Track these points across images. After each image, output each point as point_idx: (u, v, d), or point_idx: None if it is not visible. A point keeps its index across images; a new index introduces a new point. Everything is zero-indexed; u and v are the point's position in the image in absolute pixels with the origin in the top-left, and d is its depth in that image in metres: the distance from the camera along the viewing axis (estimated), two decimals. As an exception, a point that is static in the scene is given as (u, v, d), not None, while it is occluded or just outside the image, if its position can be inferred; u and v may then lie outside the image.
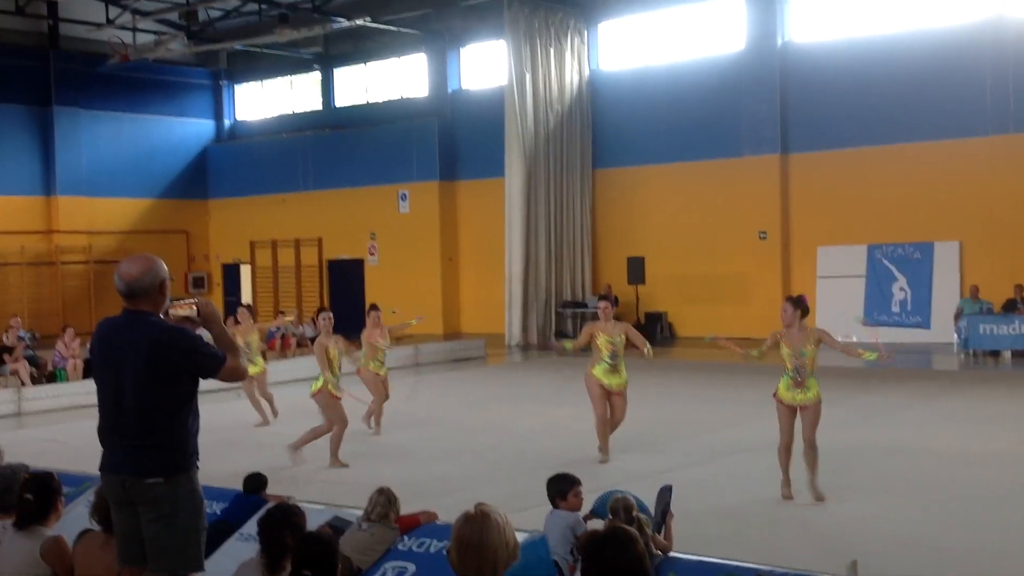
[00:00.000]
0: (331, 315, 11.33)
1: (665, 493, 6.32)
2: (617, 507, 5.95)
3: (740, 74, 24.05)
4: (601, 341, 10.66)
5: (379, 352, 12.58)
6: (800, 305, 8.84)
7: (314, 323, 24.40)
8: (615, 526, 3.86)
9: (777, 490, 8.86)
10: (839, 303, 23.08)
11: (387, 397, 12.85)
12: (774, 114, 23.69)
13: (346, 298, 30.35)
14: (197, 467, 4.97)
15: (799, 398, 8.66)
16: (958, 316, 20.13)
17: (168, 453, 4.83)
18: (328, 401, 10.90)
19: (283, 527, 5.20)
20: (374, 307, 12.97)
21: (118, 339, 4.89)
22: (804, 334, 8.71)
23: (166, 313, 4.95)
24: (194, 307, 4.94)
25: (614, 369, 10.64)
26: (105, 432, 4.96)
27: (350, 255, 30.34)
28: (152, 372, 4.77)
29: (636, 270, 24.51)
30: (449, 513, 6.41)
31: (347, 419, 11.03)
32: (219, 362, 4.87)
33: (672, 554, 5.89)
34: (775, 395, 8.84)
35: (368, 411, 12.71)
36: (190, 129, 32.97)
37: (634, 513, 5.89)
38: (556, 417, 13.66)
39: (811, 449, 8.68)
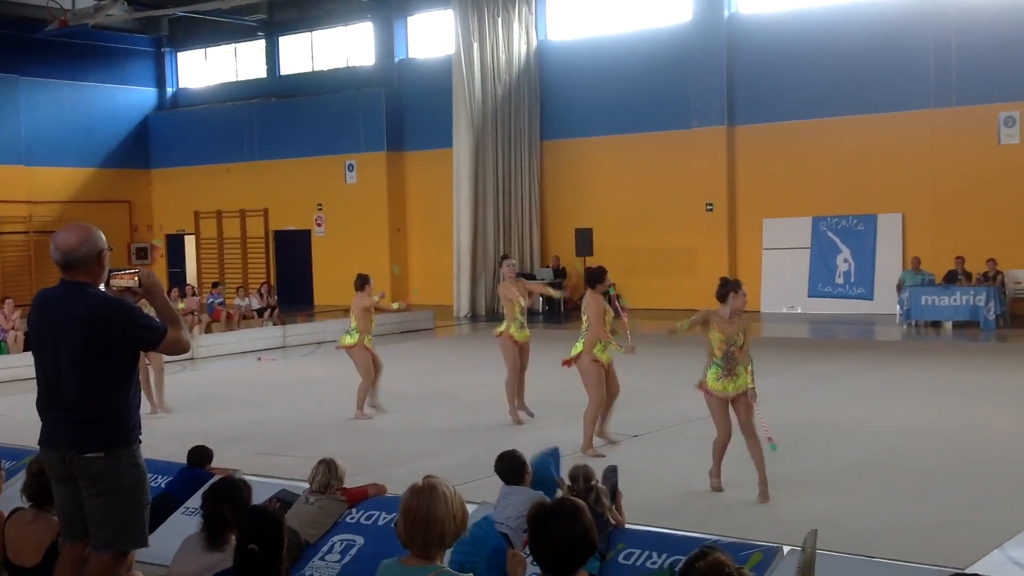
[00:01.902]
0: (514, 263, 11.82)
1: (611, 474, 6.34)
2: (577, 474, 5.96)
3: (687, 46, 24.08)
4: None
5: (371, 324, 12.09)
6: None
7: (260, 295, 24.37)
8: (562, 498, 3.86)
9: (727, 462, 8.88)
10: (784, 275, 23.35)
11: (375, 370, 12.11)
12: (721, 86, 23.77)
13: (293, 270, 30.14)
14: (139, 440, 4.90)
15: (730, 388, 8.09)
16: (900, 287, 20.43)
17: (108, 427, 4.74)
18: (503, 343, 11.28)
19: (223, 502, 5.14)
20: (363, 278, 12.27)
21: (55, 311, 4.80)
22: (739, 321, 8.10)
23: (107, 284, 4.85)
24: (135, 278, 4.85)
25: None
26: (44, 406, 4.86)
27: (297, 226, 30.06)
28: (90, 344, 4.68)
29: (584, 242, 24.54)
30: (398, 485, 6.39)
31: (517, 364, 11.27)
32: (159, 334, 4.78)
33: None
34: (701, 386, 8.22)
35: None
36: (132, 97, 32.36)
37: (593, 482, 5.90)
38: (504, 388, 13.64)
39: (752, 439, 8.05)
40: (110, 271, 4.90)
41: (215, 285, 24.93)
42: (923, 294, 19.90)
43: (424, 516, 3.74)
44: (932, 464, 9.09)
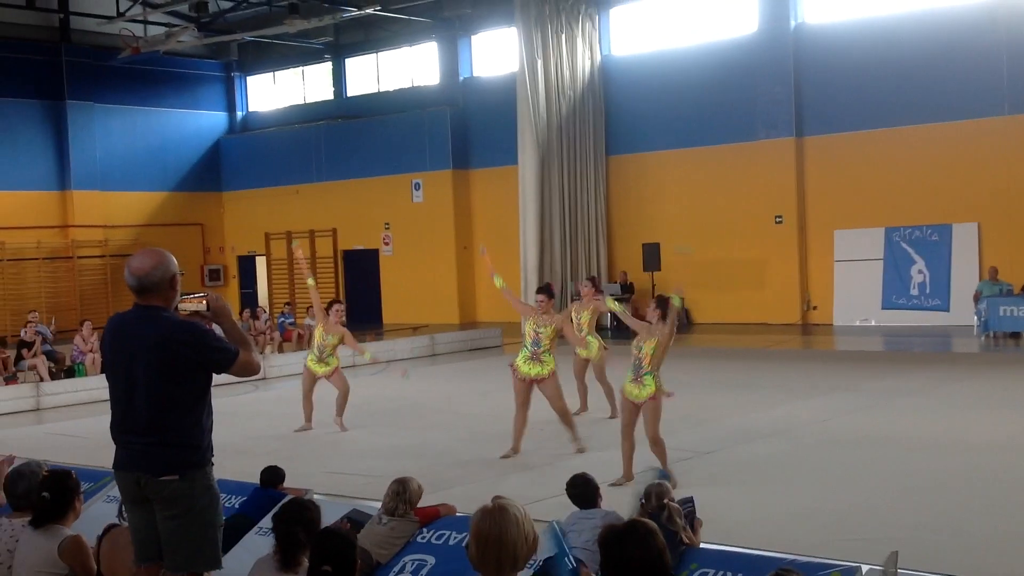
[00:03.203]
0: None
1: (687, 503, 6.23)
2: (650, 492, 5.88)
3: (753, 57, 23.88)
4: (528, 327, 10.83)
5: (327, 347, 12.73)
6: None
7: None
8: (634, 520, 3.80)
9: (800, 478, 8.77)
10: (857, 287, 22.97)
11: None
12: (788, 97, 23.52)
13: (362, 289, 30.40)
14: (212, 463, 4.94)
15: (638, 394, 8.75)
16: (977, 298, 19.98)
17: (182, 450, 4.79)
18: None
19: (296, 523, 5.15)
20: (337, 300, 13.44)
21: (129, 335, 4.86)
22: (651, 330, 8.81)
23: (176, 308, 4.91)
24: (204, 301, 4.91)
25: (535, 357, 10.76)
26: (118, 429, 4.92)
27: (365, 245, 30.33)
28: (163, 368, 4.73)
29: (651, 257, 24.42)
30: (466, 503, 6.37)
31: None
32: (232, 356, 4.83)
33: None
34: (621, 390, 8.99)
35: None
36: (203, 121, 32.98)
37: (665, 500, 5.81)
38: (572, 407, 13.58)
39: (655, 445, 8.75)
40: (180, 294, 4.96)
41: (287, 304, 25.25)
42: (1001, 304, 19.44)
43: (496, 539, 3.68)
44: (1011, 480, 8.84)
